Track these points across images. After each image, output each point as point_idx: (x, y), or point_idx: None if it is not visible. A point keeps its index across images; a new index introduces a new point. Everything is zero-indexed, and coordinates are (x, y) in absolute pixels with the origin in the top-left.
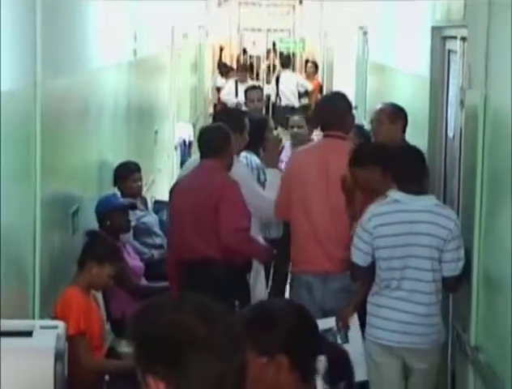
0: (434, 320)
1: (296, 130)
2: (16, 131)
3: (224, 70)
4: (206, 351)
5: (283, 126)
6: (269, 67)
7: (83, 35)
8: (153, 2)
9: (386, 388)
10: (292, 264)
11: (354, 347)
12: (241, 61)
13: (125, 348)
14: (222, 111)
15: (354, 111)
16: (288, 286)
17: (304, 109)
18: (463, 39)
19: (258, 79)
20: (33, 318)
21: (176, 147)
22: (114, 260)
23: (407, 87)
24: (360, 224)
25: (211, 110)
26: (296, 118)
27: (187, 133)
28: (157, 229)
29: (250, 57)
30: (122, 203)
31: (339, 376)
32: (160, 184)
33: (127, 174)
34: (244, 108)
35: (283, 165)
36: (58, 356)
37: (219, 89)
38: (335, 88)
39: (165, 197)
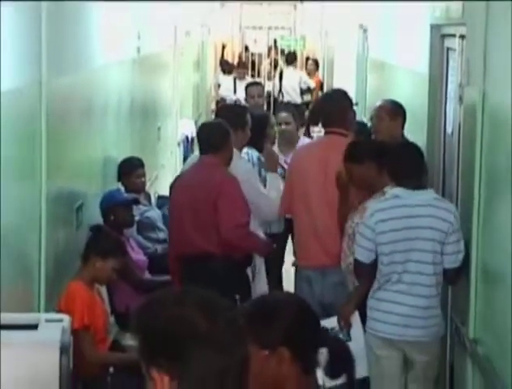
0: (434, 312)
1: (283, 127)
2: (22, 129)
3: (226, 67)
4: (208, 345)
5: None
6: (270, 64)
7: (88, 33)
8: (156, 1)
9: (387, 382)
10: (296, 258)
11: (357, 344)
12: (243, 58)
13: (129, 341)
14: (224, 107)
15: (355, 107)
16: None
17: (307, 105)
18: (462, 37)
19: (259, 76)
20: (38, 312)
21: (179, 144)
22: (118, 254)
23: (407, 84)
24: (361, 222)
25: (213, 107)
26: (283, 115)
27: (190, 129)
28: (160, 224)
29: (252, 54)
30: (126, 199)
31: (341, 369)
32: (163, 179)
33: (131, 170)
34: (244, 103)
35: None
36: (64, 349)
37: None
38: (336, 86)
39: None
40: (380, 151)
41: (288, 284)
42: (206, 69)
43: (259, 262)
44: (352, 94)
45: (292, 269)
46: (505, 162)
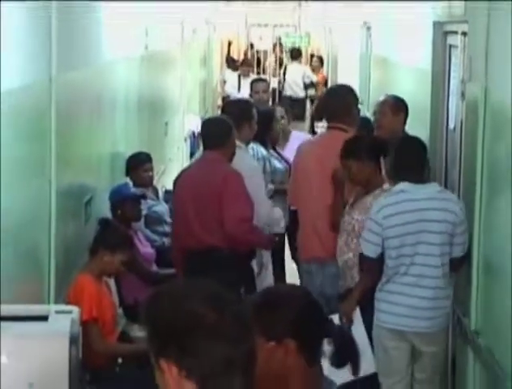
0: (442, 303)
1: None
2: (32, 124)
3: (231, 64)
4: (216, 337)
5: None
6: (275, 61)
7: (97, 30)
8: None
9: (395, 373)
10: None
11: (359, 340)
12: (249, 55)
13: (137, 332)
14: (230, 102)
15: (360, 106)
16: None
17: (311, 100)
18: (464, 34)
19: (264, 72)
20: (48, 304)
21: (185, 139)
22: (126, 248)
23: (410, 81)
24: (368, 218)
25: (219, 103)
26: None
27: (196, 125)
28: (167, 218)
29: (257, 51)
30: (134, 193)
31: (346, 358)
32: (170, 174)
33: (139, 164)
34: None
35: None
36: (73, 340)
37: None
38: (340, 82)
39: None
40: (378, 148)
41: (291, 280)
42: (213, 65)
43: (266, 260)
44: (355, 90)
45: (294, 265)
46: (507, 157)
